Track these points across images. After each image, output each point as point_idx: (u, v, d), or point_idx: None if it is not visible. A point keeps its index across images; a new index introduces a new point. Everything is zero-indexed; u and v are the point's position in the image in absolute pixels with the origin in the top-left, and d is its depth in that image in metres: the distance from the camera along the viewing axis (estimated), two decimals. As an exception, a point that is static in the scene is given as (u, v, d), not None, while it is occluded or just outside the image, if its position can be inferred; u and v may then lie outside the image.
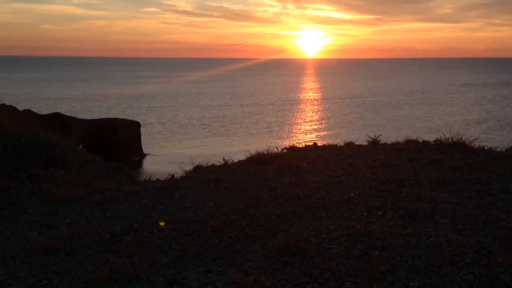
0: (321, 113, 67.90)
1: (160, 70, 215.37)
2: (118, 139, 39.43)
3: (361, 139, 12.82)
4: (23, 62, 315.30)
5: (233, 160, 10.21)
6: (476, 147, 10.59)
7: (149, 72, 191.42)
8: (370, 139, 11.93)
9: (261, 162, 9.72)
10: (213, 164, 10.06)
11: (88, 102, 76.53)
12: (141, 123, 44.72)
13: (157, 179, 9.18)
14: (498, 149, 10.41)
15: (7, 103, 33.26)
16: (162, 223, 6.37)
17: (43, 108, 54.10)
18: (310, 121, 60.93)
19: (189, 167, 10.00)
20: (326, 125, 57.26)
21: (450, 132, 11.16)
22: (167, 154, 41.62)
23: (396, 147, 11.08)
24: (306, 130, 53.79)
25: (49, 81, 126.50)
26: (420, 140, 11.80)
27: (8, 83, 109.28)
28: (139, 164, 38.54)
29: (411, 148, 10.87)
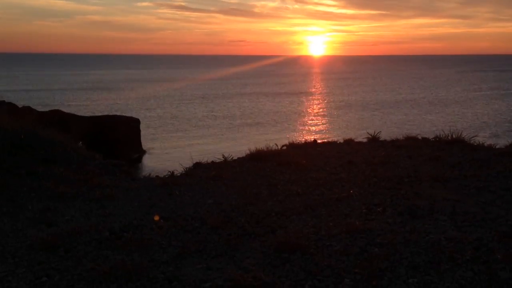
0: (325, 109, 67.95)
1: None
2: (117, 136, 39.39)
3: (361, 136, 12.82)
4: (17, 58, 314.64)
5: (232, 157, 10.21)
6: (475, 144, 10.60)
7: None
8: (370, 136, 11.93)
9: (260, 159, 9.72)
10: (212, 161, 10.06)
11: (88, 100, 76.48)
12: (140, 120, 44.67)
13: (157, 176, 9.17)
14: (497, 146, 10.42)
15: (6, 100, 33.27)
16: (156, 217, 6.39)
17: (42, 105, 54.09)
18: (310, 117, 60.93)
19: (188, 164, 9.99)
20: (326, 121, 57.28)
21: (450, 129, 11.18)
22: (166, 151, 41.60)
23: (395, 144, 11.09)
24: (306, 127, 53.78)
25: (47, 78, 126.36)
26: (420, 137, 11.81)
27: (6, 81, 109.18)
28: (138, 161, 38.50)
29: (410, 145, 10.87)
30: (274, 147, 10.69)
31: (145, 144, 43.26)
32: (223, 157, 10.14)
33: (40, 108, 41.97)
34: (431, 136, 11.73)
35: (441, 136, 11.09)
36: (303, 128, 53.13)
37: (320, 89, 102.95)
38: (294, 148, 11.18)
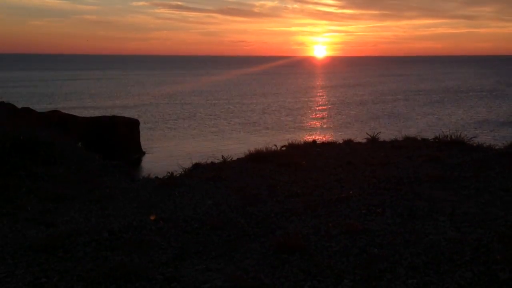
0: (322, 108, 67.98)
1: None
2: (117, 137, 39.40)
3: (361, 137, 12.83)
4: (15, 59, 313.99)
5: (232, 158, 10.21)
6: (475, 144, 10.59)
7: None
8: (369, 137, 11.93)
9: (260, 160, 9.72)
10: (212, 162, 10.06)
11: (87, 101, 76.48)
12: (140, 121, 44.68)
13: (156, 177, 9.17)
14: (497, 147, 10.41)
15: (6, 101, 33.26)
16: (152, 217, 6.40)
17: (41, 106, 54.08)
18: (309, 118, 60.94)
19: (188, 165, 9.99)
20: (326, 122, 57.31)
21: (449, 130, 11.17)
22: (166, 152, 41.61)
23: (395, 145, 11.09)
24: (306, 128, 53.77)
25: (47, 79, 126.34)
26: (419, 138, 11.81)
27: (5, 82, 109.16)
28: (138, 162, 38.49)
29: (410, 146, 10.87)
30: (274, 148, 10.69)
31: (145, 145, 43.27)
32: (222, 158, 10.15)
33: (39, 109, 41.99)
34: (430, 136, 11.73)
35: (441, 136, 11.08)
36: (303, 128, 53.13)
37: (321, 90, 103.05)
38: (294, 148, 11.17)
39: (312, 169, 9.05)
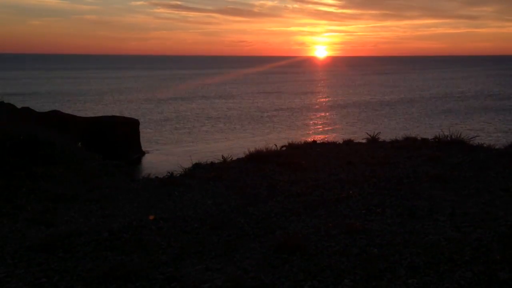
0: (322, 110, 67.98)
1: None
2: (117, 137, 39.40)
3: (361, 137, 12.84)
4: (14, 59, 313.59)
5: (232, 158, 10.21)
6: (475, 144, 10.60)
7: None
8: (369, 137, 11.94)
9: (260, 160, 9.72)
10: (212, 162, 10.06)
11: (87, 100, 76.48)
12: (140, 120, 44.68)
13: (156, 177, 9.18)
14: (497, 147, 10.42)
15: (5, 101, 33.25)
16: (151, 217, 6.41)
17: (41, 106, 54.09)
18: (309, 118, 60.93)
19: (188, 165, 10.00)
20: (326, 122, 57.32)
21: (449, 130, 11.17)
22: (166, 152, 41.63)
23: (395, 145, 11.09)
24: (306, 128, 53.76)
25: (47, 79, 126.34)
26: (419, 138, 11.81)
27: (5, 81, 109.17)
28: (138, 162, 38.52)
29: (410, 146, 10.88)
30: (274, 148, 10.70)
31: (145, 144, 43.28)
32: (222, 158, 10.15)
33: (39, 109, 41.98)
34: (430, 136, 11.73)
35: (440, 136, 11.09)
36: (303, 128, 53.12)
37: (321, 89, 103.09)
38: (294, 148, 11.18)
39: (312, 169, 9.05)
